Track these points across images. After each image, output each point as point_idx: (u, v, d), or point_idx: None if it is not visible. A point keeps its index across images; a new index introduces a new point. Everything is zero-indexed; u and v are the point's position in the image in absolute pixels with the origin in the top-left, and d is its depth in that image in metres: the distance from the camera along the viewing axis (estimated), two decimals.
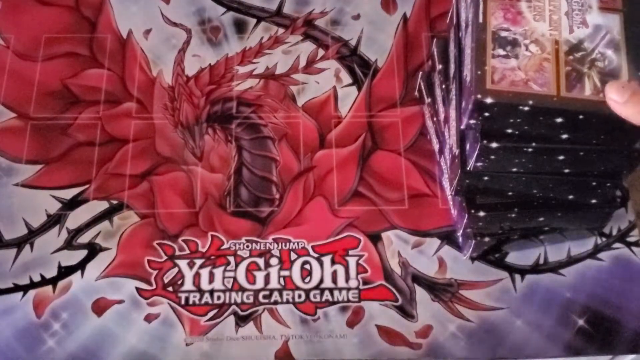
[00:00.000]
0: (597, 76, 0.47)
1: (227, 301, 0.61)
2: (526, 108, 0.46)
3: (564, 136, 0.49)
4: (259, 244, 0.63)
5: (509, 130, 0.49)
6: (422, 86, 0.69)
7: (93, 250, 0.63)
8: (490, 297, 0.61)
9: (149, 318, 0.60)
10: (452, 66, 0.61)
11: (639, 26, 0.49)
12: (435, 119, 0.66)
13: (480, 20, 0.50)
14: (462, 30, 0.59)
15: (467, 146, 0.55)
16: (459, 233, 0.63)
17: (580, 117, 0.46)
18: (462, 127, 0.49)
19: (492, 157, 0.52)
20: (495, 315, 0.61)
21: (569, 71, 0.47)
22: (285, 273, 0.62)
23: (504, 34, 0.49)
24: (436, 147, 0.67)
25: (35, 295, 0.61)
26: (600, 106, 0.46)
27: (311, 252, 0.63)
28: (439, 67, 0.65)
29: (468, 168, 0.54)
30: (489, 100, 0.46)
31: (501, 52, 0.48)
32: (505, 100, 0.46)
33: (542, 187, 0.56)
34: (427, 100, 0.68)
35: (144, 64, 0.73)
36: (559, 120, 0.47)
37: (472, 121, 0.48)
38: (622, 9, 0.50)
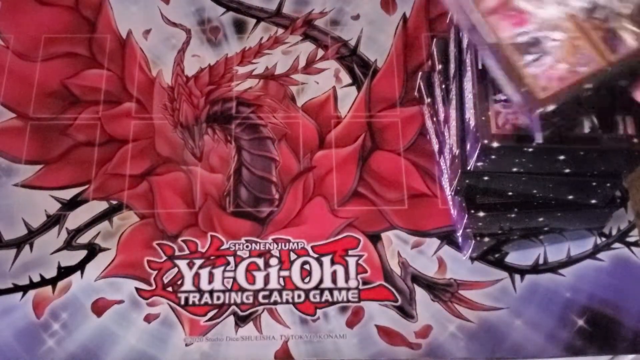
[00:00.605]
0: (630, 23, 0.45)
1: (226, 301, 0.61)
2: (588, 92, 0.45)
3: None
4: (258, 244, 0.63)
5: (582, 118, 0.48)
6: (422, 86, 0.69)
7: (93, 250, 0.63)
8: (490, 297, 0.61)
9: (148, 318, 0.60)
10: (452, 66, 0.61)
11: None
12: (435, 119, 0.66)
13: (492, 40, 0.47)
14: (461, 31, 0.59)
15: (467, 146, 0.55)
16: (459, 233, 0.63)
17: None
18: (540, 141, 0.48)
19: (492, 157, 0.52)
20: (495, 315, 0.61)
21: (602, 35, 0.45)
22: (284, 273, 0.62)
23: (521, 39, 0.47)
24: (436, 147, 0.67)
25: (35, 296, 0.61)
26: None
27: (311, 252, 0.63)
28: (438, 67, 0.65)
29: (468, 168, 0.54)
30: (550, 107, 0.45)
31: (530, 57, 0.46)
32: (564, 98, 0.45)
33: (542, 187, 0.56)
34: (427, 100, 0.67)
35: (144, 64, 0.73)
36: (623, 82, 0.46)
37: (546, 132, 0.47)
38: None
